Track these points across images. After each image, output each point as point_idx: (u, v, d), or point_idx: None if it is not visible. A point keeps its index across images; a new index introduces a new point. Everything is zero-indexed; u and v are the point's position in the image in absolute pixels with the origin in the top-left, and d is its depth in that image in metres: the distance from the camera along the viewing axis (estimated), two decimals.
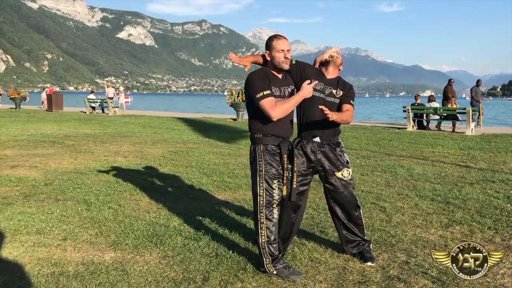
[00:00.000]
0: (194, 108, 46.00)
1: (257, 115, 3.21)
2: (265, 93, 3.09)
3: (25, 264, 3.34)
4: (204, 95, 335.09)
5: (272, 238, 3.18)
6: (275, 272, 3.15)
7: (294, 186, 3.27)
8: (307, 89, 3.13)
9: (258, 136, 3.23)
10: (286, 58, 3.19)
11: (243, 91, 18.55)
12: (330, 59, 3.46)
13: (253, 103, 3.17)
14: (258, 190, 3.18)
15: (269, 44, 3.24)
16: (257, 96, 3.10)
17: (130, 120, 17.69)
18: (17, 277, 3.13)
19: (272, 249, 3.17)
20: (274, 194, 3.17)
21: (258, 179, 3.19)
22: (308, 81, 3.19)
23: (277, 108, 3.09)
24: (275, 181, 3.18)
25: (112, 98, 24.91)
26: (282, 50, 3.18)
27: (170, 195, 5.54)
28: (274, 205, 3.19)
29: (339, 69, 3.55)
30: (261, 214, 3.18)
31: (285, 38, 3.26)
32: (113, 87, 28.22)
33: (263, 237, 3.17)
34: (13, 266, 3.32)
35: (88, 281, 3.06)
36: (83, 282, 3.05)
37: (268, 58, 3.25)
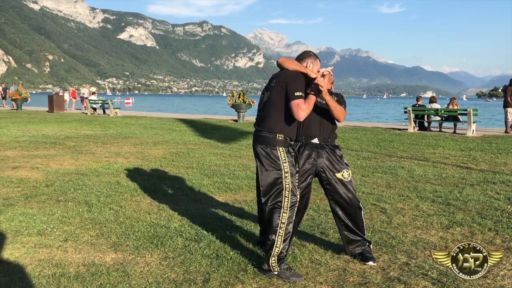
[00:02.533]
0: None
1: (286, 115, 3.22)
2: (303, 94, 3.17)
3: (26, 265, 3.35)
4: (205, 96, 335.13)
5: (288, 238, 3.23)
6: (276, 272, 3.15)
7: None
8: (321, 86, 3.20)
9: (280, 138, 3.24)
10: (313, 78, 3.27)
11: (244, 92, 18.29)
12: (326, 74, 3.44)
13: (286, 100, 3.19)
14: (284, 191, 3.18)
15: (315, 59, 3.39)
16: (296, 94, 3.13)
17: (131, 121, 17.70)
18: (18, 278, 3.13)
19: (284, 249, 3.20)
20: (297, 194, 3.25)
21: (284, 181, 3.18)
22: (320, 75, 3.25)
23: (304, 108, 3.15)
24: (297, 181, 3.28)
25: (87, 98, 25.54)
26: (318, 71, 3.31)
27: (171, 196, 5.55)
28: (295, 206, 3.24)
29: (331, 87, 3.59)
30: (284, 214, 3.18)
31: None
32: (86, 87, 29.32)
33: (280, 236, 3.17)
34: (14, 267, 3.33)
35: (89, 282, 3.07)
36: (84, 283, 3.05)
37: (309, 67, 3.34)
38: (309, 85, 3.30)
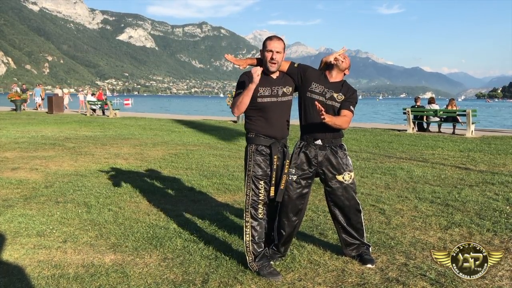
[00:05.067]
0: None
1: (251, 115, 3.30)
2: (236, 92, 3.28)
3: (26, 266, 3.36)
4: (205, 97, 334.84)
5: (257, 237, 3.26)
6: (257, 269, 3.22)
7: (282, 187, 3.31)
8: (253, 76, 3.07)
9: (251, 135, 3.32)
10: (272, 59, 3.22)
11: None
12: (335, 62, 3.41)
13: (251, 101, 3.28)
14: (246, 189, 3.28)
15: (263, 43, 3.33)
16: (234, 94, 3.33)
17: (130, 122, 17.70)
18: (18, 279, 3.14)
19: (256, 247, 3.25)
20: (259, 195, 3.25)
21: (246, 178, 3.29)
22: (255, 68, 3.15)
23: (232, 104, 3.26)
24: (261, 182, 3.26)
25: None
26: (270, 51, 3.23)
27: (170, 198, 5.56)
28: (260, 205, 3.26)
29: (344, 74, 3.47)
30: (246, 213, 3.27)
31: (280, 39, 3.28)
32: (60, 88, 29.45)
33: (247, 235, 3.27)
34: (13, 268, 3.33)
35: (88, 283, 3.07)
36: (83, 285, 3.06)
37: (261, 57, 3.33)
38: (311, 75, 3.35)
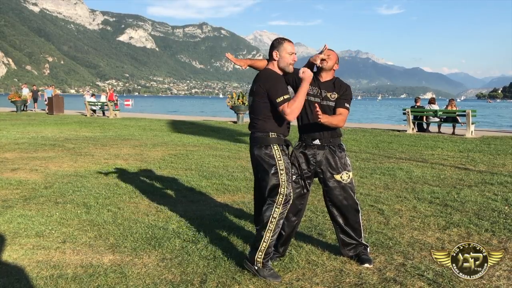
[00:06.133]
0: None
1: (273, 115, 3.25)
2: (285, 97, 3.15)
3: (24, 267, 3.37)
4: (205, 97, 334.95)
5: (276, 236, 3.25)
6: (257, 268, 3.18)
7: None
8: (307, 74, 3.20)
9: (273, 136, 3.27)
10: (293, 61, 3.33)
11: (244, 94, 18.18)
12: (321, 65, 3.43)
13: (271, 103, 3.21)
14: (280, 188, 3.20)
15: (279, 45, 3.31)
16: (277, 101, 3.15)
17: (130, 123, 17.71)
18: (16, 280, 3.15)
19: (272, 245, 3.23)
20: (291, 191, 3.26)
21: (280, 177, 3.20)
22: (304, 69, 3.26)
23: (291, 109, 3.14)
24: (292, 180, 3.31)
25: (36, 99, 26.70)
26: (292, 53, 3.30)
27: (169, 198, 5.57)
28: (290, 202, 3.25)
29: (334, 69, 3.49)
30: (276, 209, 3.19)
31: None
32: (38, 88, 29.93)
33: (270, 231, 3.19)
34: (12, 268, 3.34)
35: (87, 284, 3.08)
36: (81, 285, 3.07)
37: (276, 58, 3.31)
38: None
